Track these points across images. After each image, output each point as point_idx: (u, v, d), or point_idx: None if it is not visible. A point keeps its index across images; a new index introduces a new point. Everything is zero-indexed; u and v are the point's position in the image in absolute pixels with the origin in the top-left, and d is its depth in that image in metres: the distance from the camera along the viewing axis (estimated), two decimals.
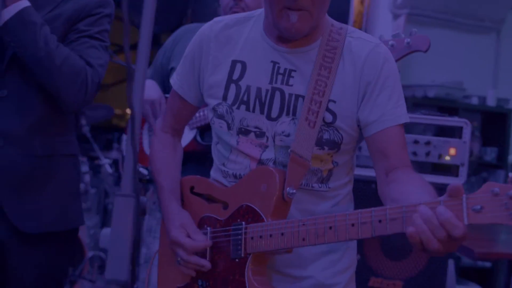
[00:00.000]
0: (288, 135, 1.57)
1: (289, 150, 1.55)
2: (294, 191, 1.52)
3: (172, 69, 2.50)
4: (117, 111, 7.18)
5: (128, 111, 3.01)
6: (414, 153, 2.66)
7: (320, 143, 1.56)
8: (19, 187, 1.96)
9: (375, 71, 1.56)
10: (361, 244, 2.74)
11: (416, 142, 2.65)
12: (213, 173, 1.74)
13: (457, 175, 2.65)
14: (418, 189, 1.41)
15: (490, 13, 5.12)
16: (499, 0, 5.12)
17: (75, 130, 2.21)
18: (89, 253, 4.40)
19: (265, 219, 1.52)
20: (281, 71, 1.59)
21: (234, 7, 2.34)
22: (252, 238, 1.52)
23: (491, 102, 5.03)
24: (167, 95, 2.40)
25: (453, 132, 2.72)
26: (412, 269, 2.72)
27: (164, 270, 1.73)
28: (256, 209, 1.54)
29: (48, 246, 2.04)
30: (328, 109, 1.55)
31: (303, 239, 1.43)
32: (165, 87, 2.50)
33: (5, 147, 1.93)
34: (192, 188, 1.71)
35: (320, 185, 1.62)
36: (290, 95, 1.58)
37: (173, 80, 1.76)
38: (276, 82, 1.59)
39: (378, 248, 2.75)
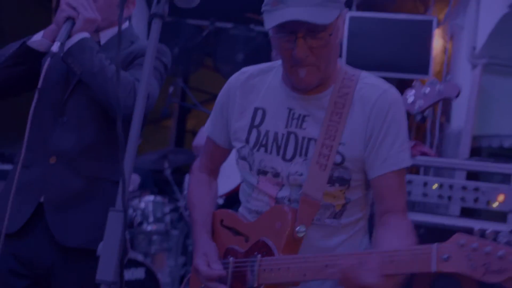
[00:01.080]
0: (301, 175, 1.72)
1: (299, 192, 1.70)
2: (304, 229, 1.66)
3: None
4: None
5: None
6: (463, 199, 2.70)
7: (330, 181, 1.71)
8: (64, 202, 2.19)
9: (381, 116, 1.69)
10: (409, 285, 2.79)
11: (464, 188, 2.70)
12: (241, 209, 1.91)
13: (505, 222, 2.66)
14: (395, 237, 1.59)
15: None
16: None
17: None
18: None
19: (276, 254, 1.67)
20: (296, 116, 1.76)
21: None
22: (264, 270, 1.68)
23: None
24: None
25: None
26: None
27: None
28: (270, 244, 1.69)
29: (87, 262, 2.25)
30: (337, 151, 1.69)
31: (304, 275, 1.58)
32: None
33: (57, 164, 2.20)
34: (222, 221, 1.89)
35: (332, 220, 1.75)
36: (303, 138, 1.73)
37: (207, 126, 1.97)
38: (291, 126, 1.76)
39: None
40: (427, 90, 2.43)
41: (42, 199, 2.21)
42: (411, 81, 5.86)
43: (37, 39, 2.18)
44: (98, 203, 2.26)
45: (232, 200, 2.55)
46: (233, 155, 2.55)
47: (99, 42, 2.33)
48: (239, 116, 1.85)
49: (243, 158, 1.83)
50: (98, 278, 1.12)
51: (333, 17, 1.63)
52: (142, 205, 4.93)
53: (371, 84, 1.76)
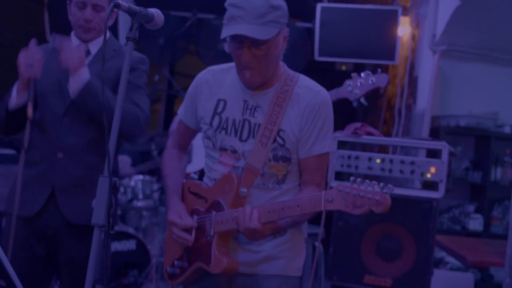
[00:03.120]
0: None
1: (244, 162, 2.21)
2: (245, 190, 2.19)
3: None
4: None
5: None
6: (401, 171, 3.18)
7: (276, 158, 2.24)
8: (71, 188, 2.68)
9: (312, 113, 2.22)
10: (358, 246, 3.28)
11: (402, 162, 3.18)
12: (204, 178, 2.42)
13: (437, 190, 3.14)
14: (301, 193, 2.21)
15: None
16: None
17: (118, 152, 2.92)
18: (155, 260, 5.08)
19: (225, 209, 2.20)
20: (249, 106, 2.27)
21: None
22: (217, 222, 2.22)
23: None
24: None
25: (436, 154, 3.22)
26: (400, 269, 3.22)
27: (168, 246, 2.43)
28: (221, 202, 2.24)
29: (91, 237, 2.74)
30: (279, 135, 2.22)
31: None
32: None
33: (64, 159, 2.68)
34: (189, 189, 2.42)
35: (274, 185, 2.27)
36: (255, 124, 2.25)
37: (179, 111, 2.47)
38: (245, 115, 2.26)
39: (373, 250, 3.28)
40: (362, 80, 2.91)
41: (53, 187, 2.67)
42: (382, 66, 6.29)
43: (14, 100, 2.63)
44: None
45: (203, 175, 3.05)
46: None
47: (88, 50, 2.75)
48: (205, 104, 2.34)
49: (208, 138, 2.33)
50: (92, 222, 1.62)
51: (271, 35, 2.10)
52: (132, 183, 5.41)
53: (307, 86, 2.27)
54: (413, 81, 6.02)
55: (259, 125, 2.23)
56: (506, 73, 5.54)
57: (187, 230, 2.30)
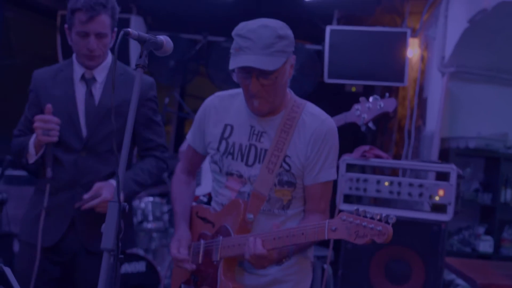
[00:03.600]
0: None
1: (250, 187, 2.24)
2: (252, 216, 2.22)
3: None
4: None
5: None
6: (409, 194, 3.19)
7: (281, 183, 2.26)
8: (91, 219, 2.66)
9: (318, 141, 2.25)
10: (367, 268, 3.28)
11: (411, 184, 3.19)
12: (212, 203, 2.45)
13: (446, 212, 3.15)
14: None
15: None
16: None
17: None
18: (165, 281, 5.10)
19: (232, 234, 2.23)
20: (256, 132, 2.30)
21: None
22: (223, 247, 2.25)
23: None
24: None
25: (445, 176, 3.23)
26: None
27: (175, 270, 2.46)
28: (228, 227, 2.26)
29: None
30: (285, 161, 2.24)
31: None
32: None
33: (83, 191, 2.67)
34: (197, 213, 2.46)
35: (280, 211, 2.29)
36: (261, 149, 2.28)
37: (188, 136, 2.51)
38: (252, 140, 2.29)
39: (382, 272, 3.27)
40: (370, 105, 2.93)
41: (73, 218, 2.70)
42: (392, 88, 6.31)
43: (33, 157, 2.69)
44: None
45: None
46: None
47: (94, 77, 2.76)
48: (212, 129, 2.37)
49: (215, 162, 2.36)
50: (102, 247, 1.64)
51: (278, 65, 2.13)
52: (142, 205, 5.44)
53: (313, 114, 2.30)
54: (422, 103, 6.04)
55: (265, 151, 2.25)
56: None
57: (194, 254, 2.35)
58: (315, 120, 2.28)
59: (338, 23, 6.13)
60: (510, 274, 3.64)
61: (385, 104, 2.91)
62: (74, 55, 2.81)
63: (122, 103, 2.72)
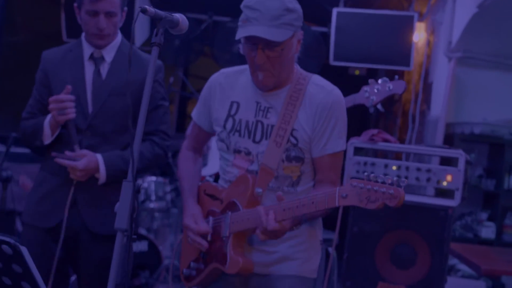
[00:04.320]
0: None
1: (259, 162, 2.22)
2: (261, 190, 2.21)
3: None
4: None
5: None
6: (417, 179, 3.18)
7: (289, 159, 2.24)
8: (94, 200, 2.67)
9: (324, 112, 2.23)
10: (373, 252, 3.27)
11: (418, 169, 3.17)
12: (220, 180, 2.43)
13: (453, 198, 3.14)
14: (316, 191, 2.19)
15: None
16: None
17: None
18: (166, 262, 5.11)
19: (241, 209, 2.22)
20: (262, 108, 2.27)
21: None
22: (233, 222, 2.24)
23: None
24: None
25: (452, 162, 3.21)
26: (414, 277, 3.21)
27: (184, 248, 2.44)
28: (237, 203, 2.25)
29: (112, 244, 2.75)
30: (292, 135, 2.22)
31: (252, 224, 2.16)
32: None
33: None
34: (205, 190, 2.44)
35: (289, 188, 2.27)
36: (268, 125, 2.25)
37: (193, 113, 2.49)
38: (258, 116, 2.27)
39: (387, 257, 3.27)
40: (379, 87, 2.91)
41: (76, 198, 2.67)
42: (397, 71, 6.30)
43: (48, 138, 2.68)
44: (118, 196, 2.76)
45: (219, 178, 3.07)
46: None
47: (102, 57, 2.73)
48: (218, 107, 2.35)
49: (222, 140, 2.34)
50: (116, 227, 1.63)
51: (285, 37, 2.12)
52: (145, 184, 5.43)
53: (319, 85, 2.28)
54: (427, 88, 6.01)
55: (272, 126, 2.23)
56: None
57: (202, 235, 2.31)
58: (321, 91, 2.26)
59: (345, 6, 6.09)
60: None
61: (394, 86, 2.89)
62: (83, 35, 2.78)
63: (127, 83, 2.70)
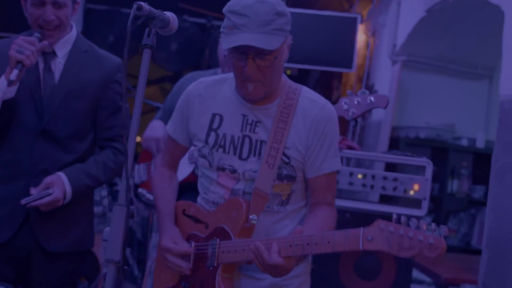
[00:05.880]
0: (255, 171, 2.05)
1: (252, 187, 2.02)
2: (256, 217, 1.99)
3: None
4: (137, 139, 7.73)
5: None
6: (383, 188, 3.08)
7: (280, 177, 2.04)
8: (47, 212, 2.38)
9: (320, 129, 2.05)
10: (337, 263, 3.15)
11: (385, 178, 3.07)
12: (199, 200, 2.22)
13: (420, 208, 3.06)
14: (319, 222, 2.01)
15: (483, 61, 5.44)
16: (491, 49, 5.49)
17: None
18: (104, 270, 4.84)
19: (233, 238, 1.99)
20: (249, 122, 2.07)
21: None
22: (222, 252, 2.00)
23: (480, 144, 5.36)
24: None
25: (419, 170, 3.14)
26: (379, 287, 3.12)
27: (158, 274, 2.19)
28: (227, 230, 2.01)
29: (67, 262, 2.50)
30: (284, 154, 2.03)
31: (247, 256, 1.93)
32: None
33: (39, 181, 2.37)
34: (184, 211, 2.19)
35: (279, 207, 2.08)
36: (256, 140, 2.05)
37: (168, 127, 2.26)
38: (245, 131, 2.07)
39: (351, 268, 3.16)
40: (360, 99, 2.78)
41: (28, 210, 2.39)
42: (334, 73, 6.22)
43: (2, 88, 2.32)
44: (78, 208, 2.50)
45: (182, 188, 2.85)
46: None
47: (54, 52, 2.47)
48: (198, 120, 2.14)
49: (203, 156, 2.12)
50: (107, 258, 1.41)
51: (278, 44, 1.92)
52: None
53: (311, 99, 2.09)
54: (368, 90, 5.97)
55: (261, 142, 2.05)
56: (463, 86, 5.57)
57: (183, 257, 2.08)
58: (315, 105, 2.08)
59: (287, 6, 5.95)
60: (472, 268, 3.63)
61: (376, 100, 2.76)
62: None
63: (84, 84, 2.47)
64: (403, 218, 1.70)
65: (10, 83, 2.23)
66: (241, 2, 1.94)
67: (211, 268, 2.02)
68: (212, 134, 2.11)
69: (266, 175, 2.01)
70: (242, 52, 1.94)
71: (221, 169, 2.09)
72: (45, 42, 2.37)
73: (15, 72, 2.23)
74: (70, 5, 2.45)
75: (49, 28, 2.41)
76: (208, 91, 2.16)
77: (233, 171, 2.07)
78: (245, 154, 2.06)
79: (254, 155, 2.05)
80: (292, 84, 2.13)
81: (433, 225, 1.67)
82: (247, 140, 2.06)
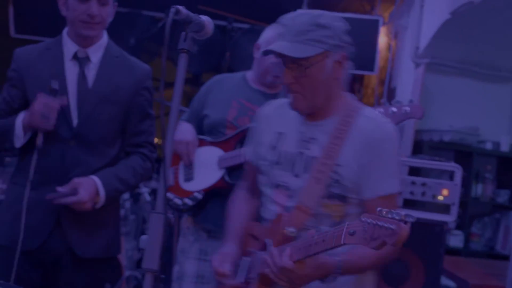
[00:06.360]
0: None
1: (295, 200, 1.98)
2: (295, 230, 1.92)
3: (206, 116, 2.89)
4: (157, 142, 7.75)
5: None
6: (412, 193, 3.04)
7: (331, 196, 1.96)
8: (78, 216, 2.39)
9: (376, 147, 1.94)
10: None
11: (413, 183, 3.03)
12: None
13: (448, 213, 3.01)
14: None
15: (507, 64, 5.39)
16: None
17: None
18: (126, 273, 4.83)
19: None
20: (305, 138, 2.03)
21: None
22: (249, 267, 2.03)
23: (504, 148, 5.31)
24: (200, 137, 2.86)
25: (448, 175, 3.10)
26: None
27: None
28: (268, 243, 1.97)
29: (95, 267, 2.49)
30: (335, 171, 1.95)
31: None
32: (199, 130, 2.93)
33: None
34: (250, 231, 2.19)
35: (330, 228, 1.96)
36: (308, 157, 2.01)
37: (248, 152, 2.28)
38: (301, 147, 2.03)
39: (379, 274, 3.11)
40: (395, 109, 2.72)
41: (59, 215, 2.39)
42: (356, 75, 6.18)
43: (21, 140, 2.38)
44: (106, 213, 2.49)
45: (210, 195, 2.83)
46: (208, 153, 2.80)
47: (88, 57, 2.45)
48: (264, 139, 2.14)
49: (264, 174, 2.12)
50: (145, 267, 1.39)
51: (308, 54, 1.88)
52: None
53: (370, 118, 2.00)
54: (390, 93, 5.93)
55: (313, 158, 1.99)
56: (487, 89, 5.52)
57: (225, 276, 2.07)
58: (372, 123, 1.98)
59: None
60: (499, 274, 3.58)
61: (412, 110, 2.69)
62: (64, 31, 2.49)
63: (117, 89, 2.45)
64: (385, 210, 1.57)
65: (39, 147, 2.34)
66: (289, 14, 1.97)
67: (249, 280, 2.03)
68: (273, 151, 2.10)
69: (311, 190, 1.96)
70: (283, 62, 1.95)
71: (276, 186, 2.07)
72: (64, 98, 2.37)
73: (40, 138, 2.33)
74: (111, 4, 2.44)
75: (94, 22, 2.38)
76: (277, 112, 2.16)
77: (287, 188, 2.04)
78: (298, 170, 2.02)
79: (306, 171, 2.00)
80: (354, 102, 2.07)
81: (404, 213, 1.54)
82: (301, 157, 2.03)
